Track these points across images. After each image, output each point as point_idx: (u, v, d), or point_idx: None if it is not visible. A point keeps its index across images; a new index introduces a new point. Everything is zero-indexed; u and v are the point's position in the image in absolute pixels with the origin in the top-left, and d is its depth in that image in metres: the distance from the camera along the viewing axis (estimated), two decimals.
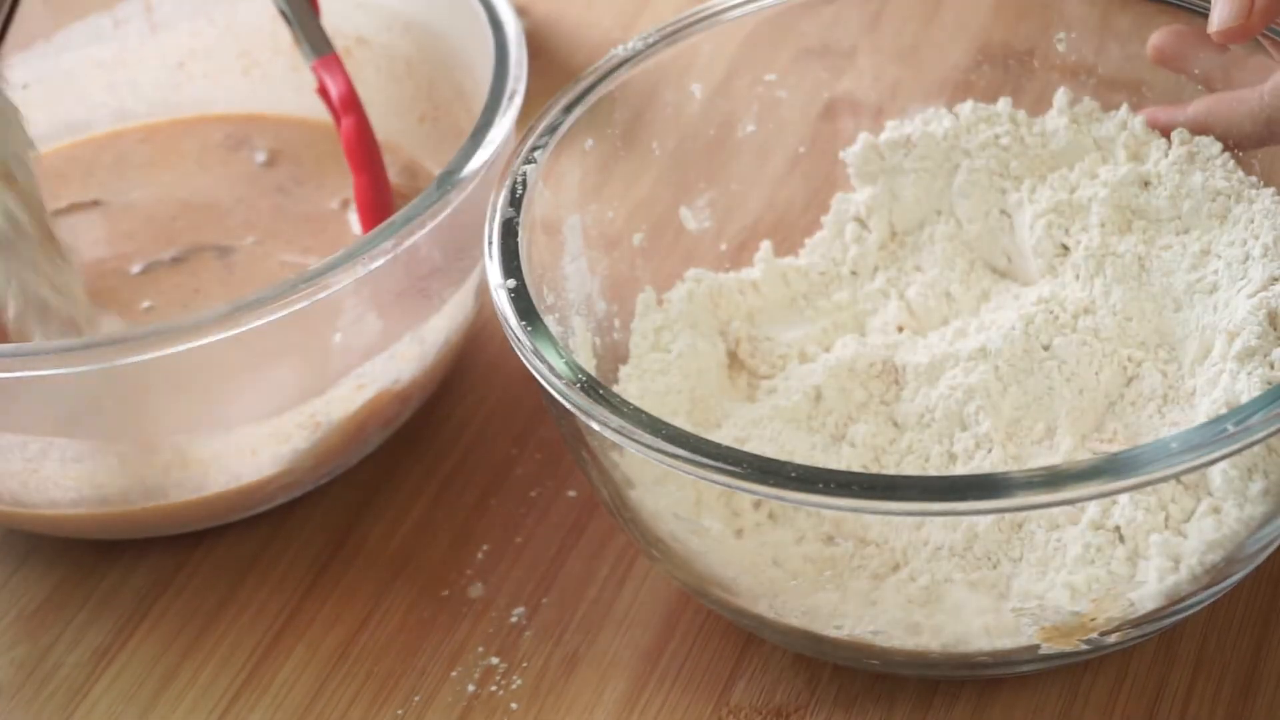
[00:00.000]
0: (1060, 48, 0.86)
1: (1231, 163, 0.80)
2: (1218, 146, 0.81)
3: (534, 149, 0.80)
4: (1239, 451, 0.67)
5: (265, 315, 0.77)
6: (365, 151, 0.90)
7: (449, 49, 0.92)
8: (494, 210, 0.78)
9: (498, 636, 0.80)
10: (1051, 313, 0.79)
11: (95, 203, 0.95)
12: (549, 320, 0.74)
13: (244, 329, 0.76)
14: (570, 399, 0.71)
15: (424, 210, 0.80)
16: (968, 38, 0.88)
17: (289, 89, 0.96)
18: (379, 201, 0.90)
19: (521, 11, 0.92)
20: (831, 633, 0.73)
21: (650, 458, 0.69)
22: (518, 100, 0.84)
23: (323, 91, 0.90)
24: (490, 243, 0.76)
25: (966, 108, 0.85)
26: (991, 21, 0.88)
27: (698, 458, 0.68)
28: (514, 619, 0.81)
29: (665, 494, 0.74)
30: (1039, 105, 0.85)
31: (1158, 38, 0.82)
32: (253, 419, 0.81)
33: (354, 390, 0.82)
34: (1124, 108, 0.83)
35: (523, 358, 0.73)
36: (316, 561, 0.84)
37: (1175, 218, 0.80)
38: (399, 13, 0.95)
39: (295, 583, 0.83)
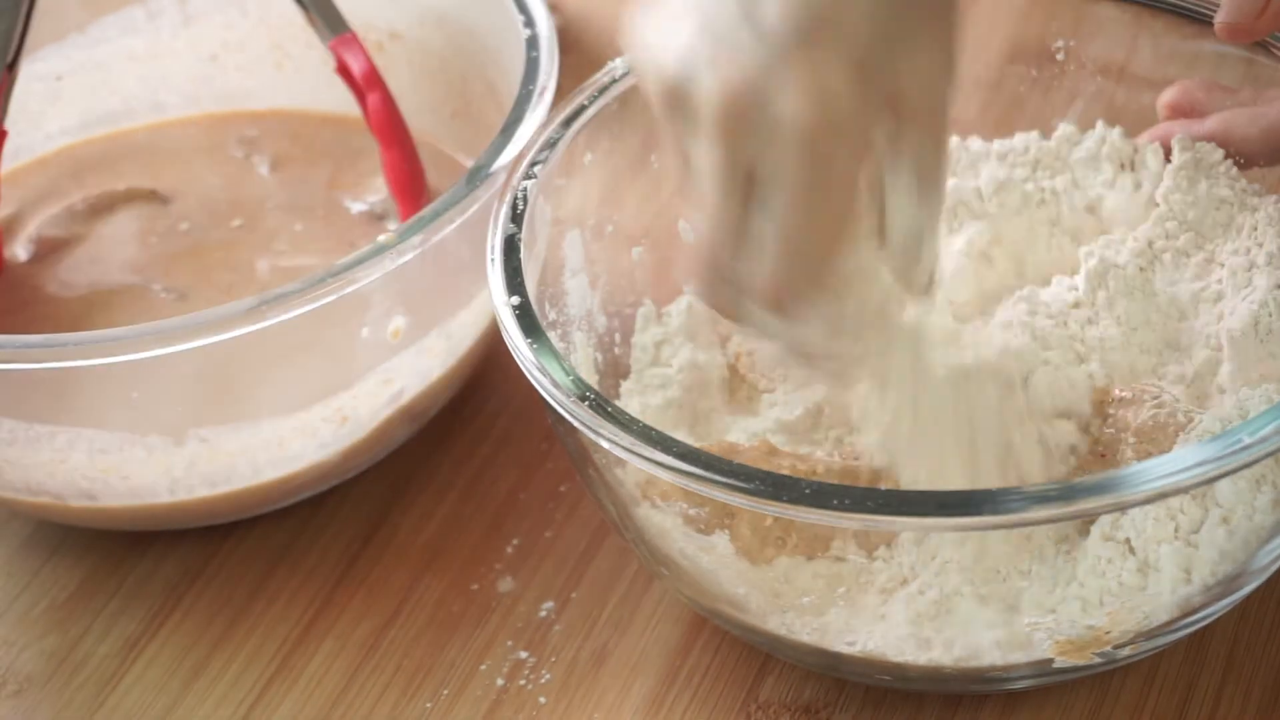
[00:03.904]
0: (1059, 56, 0.86)
1: (1235, 170, 0.80)
2: (1220, 154, 0.80)
3: (533, 164, 0.80)
4: (1254, 463, 0.66)
5: (292, 309, 0.77)
6: (393, 126, 0.90)
7: (481, 44, 0.92)
8: (495, 226, 0.77)
9: (527, 630, 0.80)
10: (1054, 321, 0.79)
11: (153, 193, 0.96)
12: (552, 337, 0.74)
13: (271, 323, 0.77)
14: (580, 417, 0.70)
15: (453, 205, 0.80)
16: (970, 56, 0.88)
17: (322, 82, 0.96)
18: (411, 175, 0.91)
19: (553, 8, 0.91)
20: (844, 649, 0.73)
21: (661, 475, 0.69)
22: (548, 96, 0.84)
23: (343, 70, 0.90)
24: (493, 260, 0.76)
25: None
26: (995, 39, 0.88)
27: (710, 474, 0.67)
28: (543, 613, 0.81)
29: (672, 510, 0.73)
30: (1056, 113, 0.85)
31: (1169, 95, 0.82)
32: (279, 413, 0.81)
33: (381, 385, 0.82)
34: (1099, 124, 0.83)
35: (530, 375, 0.72)
36: (346, 554, 0.84)
37: (1181, 223, 0.80)
38: (432, 8, 0.95)
39: (325, 575, 0.83)
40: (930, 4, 0.66)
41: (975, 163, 0.85)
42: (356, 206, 0.94)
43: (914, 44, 0.66)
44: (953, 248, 0.83)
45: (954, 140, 0.85)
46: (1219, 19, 0.78)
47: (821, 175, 0.66)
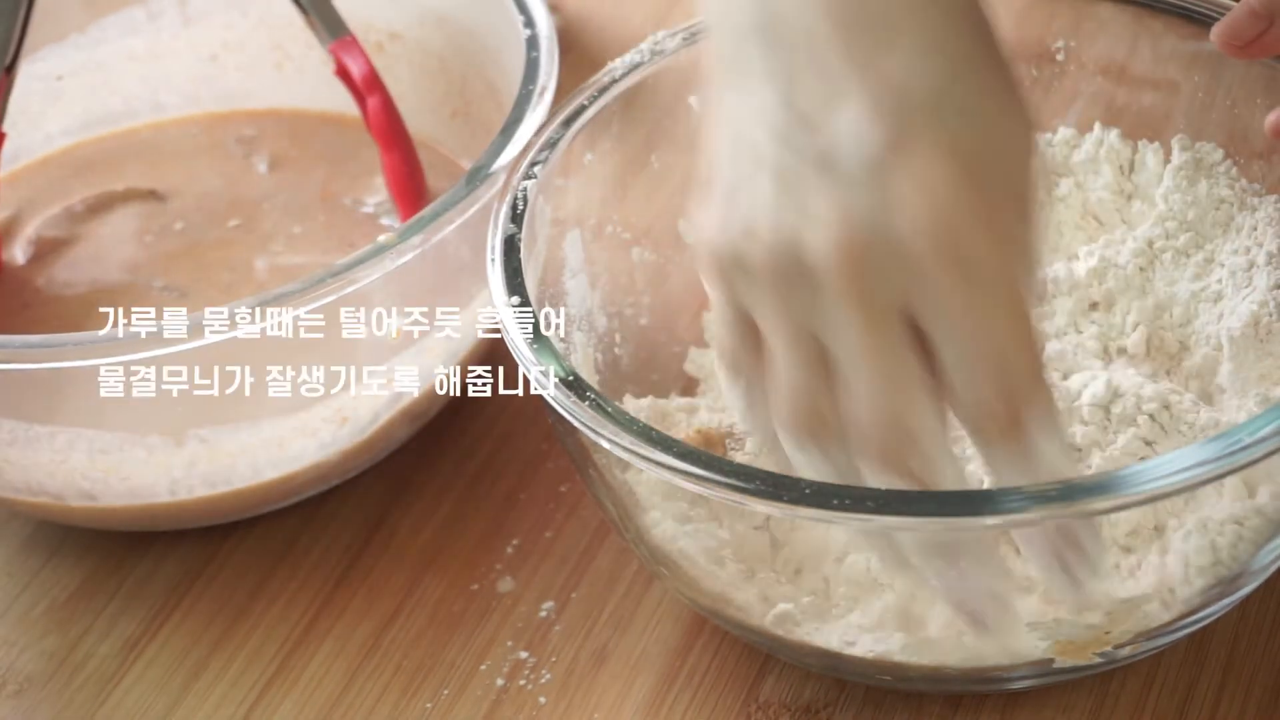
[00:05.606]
0: (1059, 56, 0.86)
1: (1234, 170, 0.80)
2: (1220, 153, 0.80)
3: (533, 164, 0.80)
4: (1254, 463, 0.66)
5: (292, 309, 0.77)
6: (393, 129, 0.91)
7: (481, 45, 0.93)
8: (495, 226, 0.77)
9: (527, 630, 0.80)
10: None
11: (152, 192, 0.96)
12: (551, 337, 0.74)
13: (271, 322, 0.77)
14: (579, 417, 0.70)
15: (453, 205, 0.80)
16: None
17: (321, 83, 0.96)
18: (411, 177, 0.91)
19: (553, 8, 0.92)
20: (844, 649, 0.73)
21: (661, 475, 0.68)
22: (548, 97, 0.84)
23: (342, 73, 0.91)
24: (493, 260, 0.76)
25: None
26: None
27: (710, 474, 0.67)
28: (543, 613, 0.81)
29: (673, 511, 0.73)
30: (1056, 113, 0.85)
31: (1276, 116, 0.79)
32: (280, 413, 0.81)
33: (382, 385, 0.82)
34: (1096, 125, 0.83)
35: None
36: (346, 554, 0.84)
37: (1181, 223, 0.80)
38: (432, 8, 0.95)
39: (325, 575, 0.83)
40: (986, 65, 0.62)
41: None
42: (355, 207, 0.94)
43: (979, 105, 0.62)
44: None
45: None
46: (1216, 28, 0.78)
47: (976, 270, 0.61)
